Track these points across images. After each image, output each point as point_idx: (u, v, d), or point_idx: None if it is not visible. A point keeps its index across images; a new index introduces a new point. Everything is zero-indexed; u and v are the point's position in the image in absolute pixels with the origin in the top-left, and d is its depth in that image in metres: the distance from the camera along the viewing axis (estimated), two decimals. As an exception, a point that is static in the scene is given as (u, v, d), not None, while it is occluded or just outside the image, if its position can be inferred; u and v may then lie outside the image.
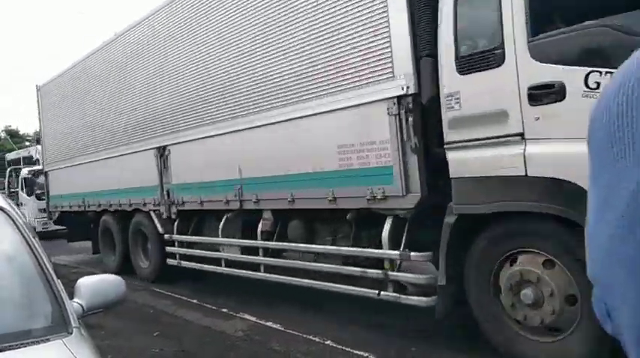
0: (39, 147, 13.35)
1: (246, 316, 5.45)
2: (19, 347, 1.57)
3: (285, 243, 5.31)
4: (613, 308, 0.44)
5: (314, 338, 4.51)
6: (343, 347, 4.23)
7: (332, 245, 4.84)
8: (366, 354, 4.05)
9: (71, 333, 1.72)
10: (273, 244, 5.43)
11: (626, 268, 0.39)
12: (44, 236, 11.09)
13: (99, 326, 5.23)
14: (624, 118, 0.39)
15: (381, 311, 5.32)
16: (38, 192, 14.20)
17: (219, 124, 5.81)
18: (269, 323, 5.11)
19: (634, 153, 0.38)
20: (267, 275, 5.52)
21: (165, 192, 6.86)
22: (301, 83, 4.72)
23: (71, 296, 1.98)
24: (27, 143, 44.97)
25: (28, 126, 63.25)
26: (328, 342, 4.40)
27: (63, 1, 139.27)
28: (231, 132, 5.64)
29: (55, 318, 1.78)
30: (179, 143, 6.58)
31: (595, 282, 0.47)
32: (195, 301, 6.32)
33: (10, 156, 22.01)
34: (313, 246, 4.98)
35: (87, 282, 2.06)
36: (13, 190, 17.32)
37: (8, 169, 19.12)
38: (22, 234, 2.05)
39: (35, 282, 1.88)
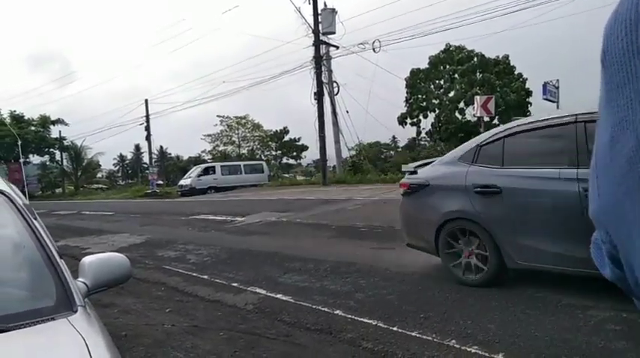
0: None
1: (257, 290, 5.51)
2: (25, 327, 1.59)
3: None
4: (622, 246, 0.42)
5: (323, 309, 4.56)
6: (352, 317, 4.28)
7: None
8: (374, 322, 4.09)
9: (76, 312, 1.73)
10: None
11: None
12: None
13: (112, 305, 5.33)
14: None
15: (388, 279, 5.37)
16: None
17: None
18: (279, 296, 5.17)
19: None
20: None
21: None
22: None
23: (76, 276, 2.00)
24: (32, 127, 45.26)
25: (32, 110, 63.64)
26: (337, 312, 4.45)
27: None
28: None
29: (59, 298, 1.79)
30: None
31: (599, 223, 0.46)
32: (205, 277, 6.40)
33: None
34: None
35: (91, 261, 2.07)
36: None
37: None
38: (22, 215, 2.06)
39: (38, 263, 1.89)
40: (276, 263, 6.82)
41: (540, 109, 34.14)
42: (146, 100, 40.75)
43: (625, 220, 0.40)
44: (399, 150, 68.90)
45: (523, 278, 4.77)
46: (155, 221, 14.40)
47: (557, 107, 26.41)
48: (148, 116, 40.86)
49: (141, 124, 40.57)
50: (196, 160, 56.50)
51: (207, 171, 32.54)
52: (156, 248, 9.17)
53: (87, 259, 2.08)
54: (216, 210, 15.23)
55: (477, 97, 22.51)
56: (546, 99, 25.47)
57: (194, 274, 6.66)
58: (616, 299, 3.97)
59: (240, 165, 34.78)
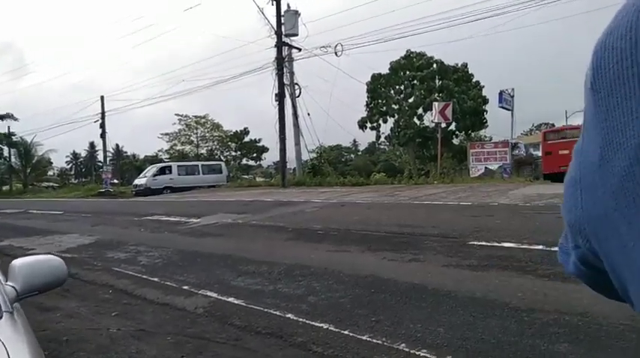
0: None
1: (208, 293, 5.40)
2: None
3: None
4: (609, 257, 0.45)
5: (275, 312, 4.51)
6: (304, 320, 4.24)
7: None
8: (326, 326, 4.06)
9: (0, 318, 1.62)
10: None
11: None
12: None
13: (55, 308, 5.11)
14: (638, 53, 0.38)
15: (342, 282, 5.36)
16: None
17: None
18: (231, 299, 5.08)
19: None
20: None
21: None
22: None
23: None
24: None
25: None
26: (289, 315, 4.40)
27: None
28: None
29: (-18, 303, 1.68)
30: None
31: (580, 232, 0.48)
32: (156, 280, 6.23)
33: None
34: None
35: (21, 264, 1.95)
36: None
37: None
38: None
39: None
40: (229, 265, 6.71)
41: (496, 117, 35.13)
42: (102, 97, 39.66)
43: (616, 233, 0.43)
44: (360, 153, 69.51)
45: (472, 282, 4.86)
46: (107, 221, 13.97)
47: (512, 115, 27.29)
48: (103, 113, 39.75)
49: (96, 121, 39.48)
50: (153, 159, 55.33)
51: (163, 171, 31.88)
52: (106, 249, 8.89)
53: (17, 262, 1.96)
54: (171, 211, 14.92)
55: (436, 103, 22.97)
56: (502, 107, 26.22)
57: (144, 276, 6.47)
58: (559, 303, 4.09)
59: (197, 166, 34.25)
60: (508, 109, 25.29)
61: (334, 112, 60.24)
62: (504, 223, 8.13)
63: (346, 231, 8.76)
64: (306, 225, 9.94)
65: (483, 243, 6.68)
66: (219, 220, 11.75)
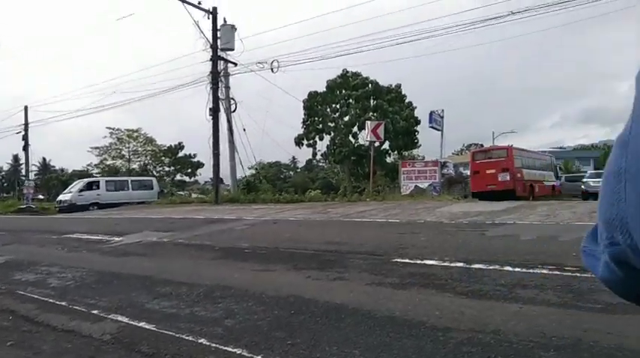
0: None
1: (119, 317, 5.06)
2: None
3: None
4: None
5: (187, 337, 4.26)
6: (217, 345, 4.03)
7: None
8: (239, 351, 3.88)
9: None
10: None
11: None
12: None
13: (-58, 338, 4.61)
14: None
15: (262, 303, 5.19)
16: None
17: None
18: (142, 324, 4.77)
19: None
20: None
21: None
22: None
23: None
24: None
25: None
26: (202, 340, 4.17)
27: None
28: None
29: None
30: None
31: (620, 227, 0.48)
32: (64, 304, 5.80)
33: None
34: None
35: None
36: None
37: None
38: None
39: None
40: (147, 287, 6.37)
41: (429, 137, 36.28)
42: (25, 107, 37.57)
43: None
44: (299, 170, 69.67)
45: (393, 301, 4.84)
46: (22, 239, 13.07)
47: (442, 135, 28.23)
48: (27, 124, 37.65)
49: (18, 133, 37.30)
50: (81, 174, 52.88)
51: (90, 186, 30.47)
52: (14, 270, 8.25)
53: None
54: (94, 229, 14.19)
55: (368, 122, 23.36)
56: (432, 128, 27.07)
57: (51, 300, 6.00)
58: (474, 321, 4.13)
59: (127, 181, 32.98)
60: (438, 129, 26.14)
61: (274, 129, 60.15)
62: (429, 240, 8.26)
63: (274, 249, 8.61)
64: (233, 243, 9.69)
65: (407, 261, 6.73)
66: (144, 239, 11.25)
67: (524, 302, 4.49)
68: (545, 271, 5.60)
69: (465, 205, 16.10)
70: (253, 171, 29.31)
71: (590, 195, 26.77)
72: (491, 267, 5.97)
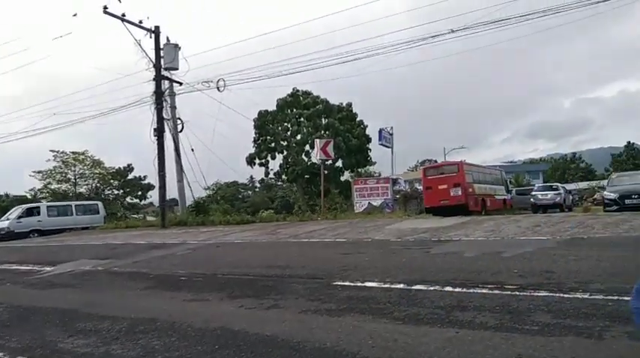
0: None
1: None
2: None
3: None
4: None
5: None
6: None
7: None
8: None
9: None
10: None
11: None
12: None
13: None
14: None
15: (186, 338, 4.78)
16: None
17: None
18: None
19: None
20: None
21: None
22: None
23: None
24: None
25: None
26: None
27: None
28: None
29: None
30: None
31: None
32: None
33: None
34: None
35: None
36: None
37: None
38: None
39: None
40: (66, 323, 5.82)
41: (385, 154, 36.56)
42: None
43: None
44: (257, 190, 68.82)
45: (326, 330, 4.54)
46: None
47: (392, 152, 28.48)
48: (-41, 148, 35.61)
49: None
50: (23, 199, 50.42)
51: (30, 212, 28.89)
52: None
53: None
54: (27, 258, 13.30)
55: (317, 141, 23.23)
56: (382, 145, 27.30)
57: (-48, 343, 5.37)
58: (407, 349, 3.87)
59: (71, 206, 31.50)
60: (388, 147, 26.33)
61: (227, 149, 59.30)
62: (373, 261, 8.04)
63: (212, 275, 8.18)
64: (171, 270, 9.17)
65: (347, 284, 6.45)
66: (77, 268, 10.55)
67: (461, 326, 4.27)
68: (485, 291, 5.44)
69: (415, 221, 16.08)
70: (210, 192, 28.61)
71: (539, 208, 27.46)
72: (431, 288, 5.77)
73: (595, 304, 4.55)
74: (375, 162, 38.43)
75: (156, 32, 22.92)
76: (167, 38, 23.36)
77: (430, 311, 4.84)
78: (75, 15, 22.78)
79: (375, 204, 25.74)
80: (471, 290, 5.50)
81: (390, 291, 5.85)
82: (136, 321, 5.58)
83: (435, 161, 49.29)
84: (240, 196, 68.14)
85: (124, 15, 21.63)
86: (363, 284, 6.34)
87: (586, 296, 4.85)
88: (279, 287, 6.67)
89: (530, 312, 4.47)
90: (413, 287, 5.91)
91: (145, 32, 22.78)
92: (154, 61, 22.98)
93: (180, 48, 23.46)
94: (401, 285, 6.06)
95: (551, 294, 5.05)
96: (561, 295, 4.99)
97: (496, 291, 5.36)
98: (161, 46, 23.10)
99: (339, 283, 6.54)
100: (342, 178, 36.60)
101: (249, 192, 70.63)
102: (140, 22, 22.48)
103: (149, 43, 23.21)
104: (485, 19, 19.23)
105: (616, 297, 4.69)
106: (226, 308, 5.86)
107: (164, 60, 23.06)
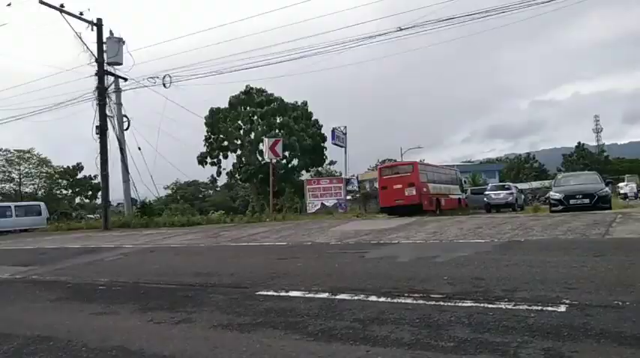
0: None
1: None
2: None
3: None
4: None
5: None
6: None
7: None
8: None
9: None
10: None
11: None
12: None
13: None
14: None
15: None
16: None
17: None
18: None
19: None
20: None
21: None
22: None
23: None
24: None
25: None
26: None
27: None
28: None
29: None
30: None
31: None
32: None
33: None
34: None
35: None
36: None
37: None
38: None
39: None
40: (-52, 343, 5.17)
41: (339, 154, 36.36)
42: None
43: None
44: (219, 189, 67.40)
45: (229, 349, 4.11)
46: None
47: (345, 152, 28.25)
48: None
49: None
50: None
51: (-38, 214, 27.30)
52: None
53: None
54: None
55: (266, 140, 22.73)
56: (335, 144, 27.01)
57: None
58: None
59: (10, 207, 29.95)
60: (341, 146, 26.09)
61: (182, 148, 57.84)
62: (305, 267, 7.67)
63: (133, 284, 7.62)
64: (93, 278, 8.54)
65: (271, 293, 6.04)
66: (-8, 276, 9.74)
67: (374, 343, 3.93)
68: (409, 300, 5.14)
69: (362, 223, 15.85)
70: (170, 191, 27.70)
71: (492, 207, 27.77)
72: (355, 298, 5.43)
73: (517, 315, 4.29)
74: (335, 162, 38.23)
75: (98, 25, 21.89)
76: (110, 32, 22.36)
77: (347, 325, 4.48)
78: (9, 5, 21.32)
79: (328, 204, 25.45)
80: (395, 300, 5.19)
81: (312, 302, 5.47)
82: (28, 340, 4.99)
83: (395, 160, 49.56)
84: (200, 196, 66.65)
85: (62, 6, 20.54)
86: (287, 294, 5.95)
87: (510, 307, 4.60)
88: (198, 298, 6.20)
89: (449, 325, 4.17)
90: (337, 297, 5.55)
91: (87, 25, 21.72)
92: (96, 55, 21.95)
93: (124, 42, 22.51)
94: (325, 294, 5.69)
95: (475, 304, 4.79)
96: (486, 305, 4.73)
97: (420, 301, 5.07)
98: (104, 40, 22.08)
99: (263, 293, 6.12)
100: (303, 178, 36.23)
101: (211, 192, 69.22)
102: (81, 13, 21.42)
103: (92, 36, 22.18)
104: (432, 17, 19.16)
105: (540, 307, 4.47)
106: (133, 323, 5.35)
107: (107, 54, 22.04)
